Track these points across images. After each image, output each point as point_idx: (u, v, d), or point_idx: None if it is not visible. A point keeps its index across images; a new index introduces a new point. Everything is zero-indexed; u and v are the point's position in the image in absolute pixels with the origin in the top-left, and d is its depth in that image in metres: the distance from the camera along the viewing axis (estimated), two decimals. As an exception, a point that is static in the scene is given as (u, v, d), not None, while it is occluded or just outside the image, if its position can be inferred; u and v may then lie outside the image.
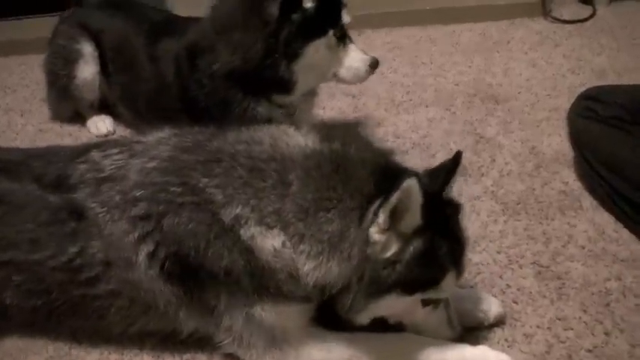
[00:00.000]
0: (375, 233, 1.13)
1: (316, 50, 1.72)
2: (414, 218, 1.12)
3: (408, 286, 1.16)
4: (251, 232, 1.19)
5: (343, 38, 1.79)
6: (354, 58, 1.81)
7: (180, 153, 1.29)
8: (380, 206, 1.12)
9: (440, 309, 1.27)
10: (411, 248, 1.13)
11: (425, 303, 1.24)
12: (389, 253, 1.14)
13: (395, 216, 1.11)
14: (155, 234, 1.24)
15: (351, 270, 1.15)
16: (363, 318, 1.22)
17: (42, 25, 2.61)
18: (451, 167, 1.21)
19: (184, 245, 1.22)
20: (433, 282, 1.18)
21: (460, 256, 1.21)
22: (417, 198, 1.10)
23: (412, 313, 1.26)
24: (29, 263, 1.33)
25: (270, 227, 1.19)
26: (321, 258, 1.16)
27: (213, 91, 1.80)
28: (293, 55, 1.70)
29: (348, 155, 1.24)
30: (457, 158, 1.20)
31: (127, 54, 2.09)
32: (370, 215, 1.13)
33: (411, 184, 1.08)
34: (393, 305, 1.20)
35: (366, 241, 1.13)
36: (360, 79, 1.85)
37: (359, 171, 1.20)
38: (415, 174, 1.18)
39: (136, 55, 2.05)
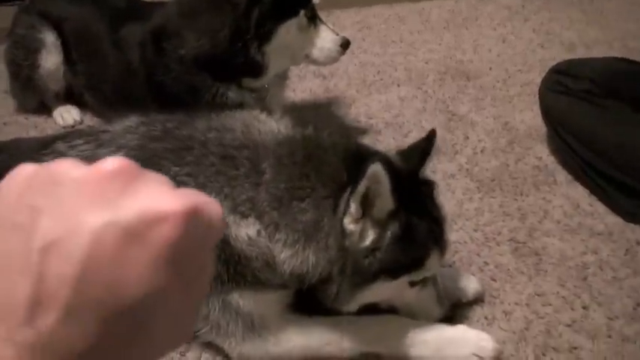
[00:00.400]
0: (349, 224, 1.11)
1: (288, 31, 1.69)
2: (386, 203, 1.10)
3: (392, 271, 1.14)
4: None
5: (314, 19, 1.76)
6: (325, 39, 1.79)
7: (148, 141, 1.25)
8: (350, 195, 1.10)
9: (429, 287, 1.26)
10: (389, 233, 1.11)
11: (412, 284, 1.22)
12: (367, 242, 1.12)
13: (367, 203, 1.09)
14: None
15: (329, 260, 1.13)
16: (352, 307, 1.20)
17: (1, 16, 2.53)
18: (426, 147, 1.19)
19: None
20: (417, 263, 1.16)
21: (441, 234, 1.20)
22: (384, 182, 1.07)
23: (401, 295, 1.24)
24: None
25: (244, 216, 1.16)
26: (297, 247, 1.14)
27: (180, 76, 1.76)
28: (264, 37, 1.66)
29: (321, 142, 1.21)
30: (431, 137, 1.19)
31: (91, 41, 2.04)
32: (342, 205, 1.11)
33: (375, 169, 1.06)
34: (380, 292, 1.18)
35: (342, 231, 1.11)
36: (332, 59, 1.82)
37: (331, 158, 1.17)
38: (384, 157, 1.16)
39: (100, 42, 2.00)
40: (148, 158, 1.22)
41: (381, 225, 1.11)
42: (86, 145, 1.30)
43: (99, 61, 2.02)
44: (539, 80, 1.89)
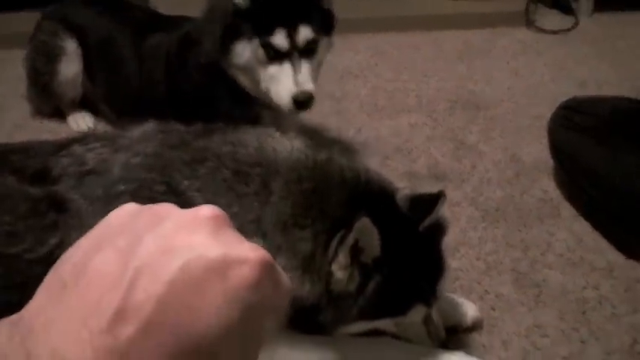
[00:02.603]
0: (337, 270, 1.11)
1: (242, 51, 1.66)
2: (373, 250, 1.10)
3: (373, 315, 1.15)
4: None
5: (281, 57, 1.65)
6: (281, 83, 1.66)
7: (165, 150, 1.27)
8: (339, 244, 1.10)
9: (420, 324, 1.26)
10: (372, 283, 1.11)
11: (398, 325, 1.23)
12: (351, 287, 1.12)
13: (356, 249, 1.10)
14: None
15: (320, 291, 1.13)
16: (339, 334, 1.21)
17: (24, 20, 2.58)
18: (430, 205, 1.18)
19: None
20: (398, 313, 1.17)
21: (430, 288, 1.19)
22: (372, 234, 1.08)
23: (386, 328, 1.25)
24: (5, 257, 1.31)
25: (249, 236, 1.16)
26: (296, 272, 1.14)
27: (200, 86, 1.77)
28: (227, 51, 1.68)
29: (330, 172, 1.21)
30: (438, 197, 1.18)
31: (113, 52, 2.06)
32: (332, 250, 1.11)
33: (362, 224, 1.06)
34: (364, 327, 1.19)
35: (329, 273, 1.11)
36: (287, 110, 1.69)
37: (336, 192, 1.18)
38: (383, 202, 1.17)
39: (122, 53, 2.03)
40: (162, 167, 1.24)
41: (366, 271, 1.11)
42: (103, 149, 1.32)
43: (120, 72, 2.04)
44: (548, 114, 1.91)
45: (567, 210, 1.78)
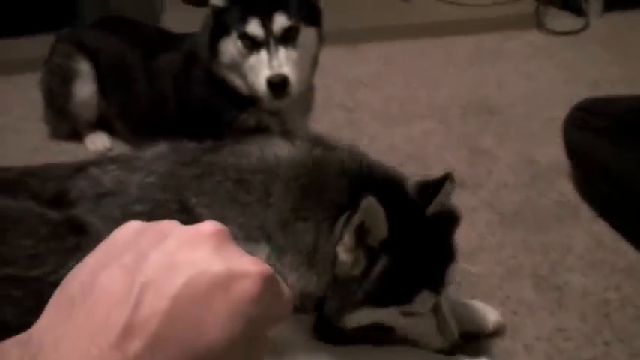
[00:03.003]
0: (342, 252, 1.11)
1: (226, 49, 1.73)
2: (380, 231, 1.10)
3: (378, 301, 1.14)
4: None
5: (257, 46, 1.70)
6: (258, 69, 1.70)
7: (178, 168, 1.29)
8: (344, 225, 1.10)
9: (428, 316, 1.24)
10: (379, 265, 1.11)
11: (406, 314, 1.21)
12: (357, 271, 1.12)
13: (363, 231, 1.10)
14: None
15: (327, 281, 1.14)
16: (346, 325, 1.20)
17: (38, 45, 2.61)
18: (436, 187, 1.18)
19: None
20: (404, 299, 1.16)
21: (439, 274, 1.18)
22: (378, 214, 1.08)
23: (395, 321, 1.23)
24: (28, 280, 1.33)
25: (257, 242, 1.17)
26: (301, 269, 1.14)
27: (202, 98, 1.81)
28: (214, 52, 1.74)
29: (328, 162, 1.22)
30: (445, 179, 1.19)
31: (125, 72, 2.10)
32: (337, 232, 1.11)
33: (368, 203, 1.07)
34: (370, 316, 1.18)
35: (334, 257, 1.11)
36: (265, 98, 1.71)
37: (336, 179, 1.18)
38: (389, 184, 1.18)
39: (134, 73, 2.06)
40: (176, 186, 1.26)
41: (372, 254, 1.11)
42: (119, 171, 1.34)
43: (132, 91, 2.07)
44: (562, 117, 1.90)
45: (585, 211, 1.77)
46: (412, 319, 1.23)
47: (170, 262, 0.42)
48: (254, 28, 1.69)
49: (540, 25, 2.96)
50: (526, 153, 2.06)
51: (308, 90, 1.88)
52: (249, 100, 1.77)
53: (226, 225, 1.22)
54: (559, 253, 1.63)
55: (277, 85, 1.66)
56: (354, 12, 3.03)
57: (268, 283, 0.44)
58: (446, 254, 1.20)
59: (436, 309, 1.24)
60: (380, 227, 1.10)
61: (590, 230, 1.70)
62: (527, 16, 2.97)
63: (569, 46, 2.79)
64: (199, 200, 1.21)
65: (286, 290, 0.47)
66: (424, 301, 1.17)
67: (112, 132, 2.31)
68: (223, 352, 0.41)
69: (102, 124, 2.31)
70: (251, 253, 1.17)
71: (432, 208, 1.17)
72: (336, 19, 2.84)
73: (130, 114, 2.13)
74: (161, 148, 1.38)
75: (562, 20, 3.00)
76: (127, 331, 0.38)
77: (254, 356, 0.44)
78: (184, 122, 1.86)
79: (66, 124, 2.31)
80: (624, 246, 1.64)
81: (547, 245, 1.66)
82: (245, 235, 1.18)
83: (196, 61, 1.84)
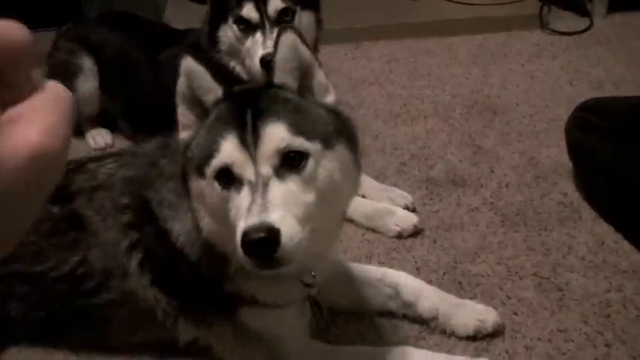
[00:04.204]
0: (182, 132, 1.14)
1: (225, 35, 1.79)
2: (209, 90, 1.13)
3: (198, 166, 1.08)
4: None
5: (253, 29, 1.76)
6: (254, 51, 1.76)
7: (159, 160, 1.31)
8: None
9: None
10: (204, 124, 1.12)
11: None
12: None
13: (195, 103, 1.13)
14: (143, 243, 1.25)
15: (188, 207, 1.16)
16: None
17: (40, 40, 2.60)
18: None
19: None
20: (214, 148, 1.05)
21: (251, 122, 1.06)
22: (200, 71, 1.13)
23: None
24: (32, 275, 1.33)
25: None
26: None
27: None
28: (213, 40, 1.80)
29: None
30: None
31: (127, 67, 2.10)
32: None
33: (187, 63, 1.14)
34: (202, 194, 1.09)
35: (183, 150, 1.13)
36: (259, 74, 1.75)
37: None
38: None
39: (137, 68, 2.06)
40: (152, 179, 1.28)
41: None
42: (113, 164, 1.37)
43: (135, 86, 2.07)
44: (565, 117, 1.90)
45: (588, 212, 1.77)
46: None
47: None
48: (249, 10, 1.75)
49: (544, 26, 2.95)
50: (529, 153, 2.05)
51: None
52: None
53: (174, 220, 1.20)
54: (561, 254, 1.63)
55: (270, 63, 1.65)
56: (358, 11, 3.02)
57: None
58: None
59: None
60: (209, 84, 1.14)
61: (592, 231, 1.70)
62: (531, 17, 2.96)
63: (573, 47, 2.78)
64: (157, 192, 1.25)
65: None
66: (229, 148, 1.04)
67: (113, 128, 2.31)
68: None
69: (104, 120, 2.31)
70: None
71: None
72: (341, 17, 2.85)
73: (133, 110, 2.13)
74: (156, 142, 1.38)
75: (566, 21, 2.99)
76: None
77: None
78: None
79: (68, 119, 2.30)
80: (626, 247, 1.63)
81: (549, 246, 1.66)
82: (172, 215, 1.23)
83: (198, 53, 1.84)
